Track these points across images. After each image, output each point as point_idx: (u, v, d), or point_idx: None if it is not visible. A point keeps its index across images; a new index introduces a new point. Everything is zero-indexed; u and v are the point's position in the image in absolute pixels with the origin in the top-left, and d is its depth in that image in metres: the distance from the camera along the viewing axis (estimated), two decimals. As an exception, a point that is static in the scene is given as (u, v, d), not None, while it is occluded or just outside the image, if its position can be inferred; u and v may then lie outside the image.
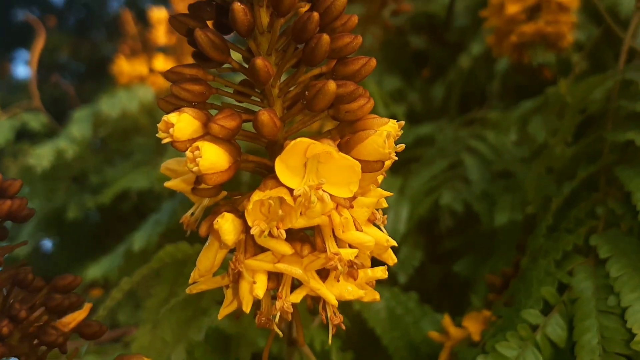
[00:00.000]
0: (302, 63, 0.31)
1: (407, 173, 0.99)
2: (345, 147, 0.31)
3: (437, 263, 0.87)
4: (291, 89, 0.32)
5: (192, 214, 0.36)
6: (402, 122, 0.33)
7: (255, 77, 0.29)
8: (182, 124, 0.29)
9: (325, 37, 0.29)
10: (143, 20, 1.40)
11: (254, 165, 0.33)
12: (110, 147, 1.27)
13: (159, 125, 0.30)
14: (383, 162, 0.31)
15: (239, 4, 0.29)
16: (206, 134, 0.30)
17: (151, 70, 1.27)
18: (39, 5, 5.48)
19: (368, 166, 0.31)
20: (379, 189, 0.33)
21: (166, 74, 0.32)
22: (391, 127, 0.32)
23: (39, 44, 1.39)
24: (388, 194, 0.33)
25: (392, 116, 1.12)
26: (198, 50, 0.31)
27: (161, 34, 1.27)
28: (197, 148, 0.29)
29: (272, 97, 0.31)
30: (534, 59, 0.95)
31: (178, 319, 0.53)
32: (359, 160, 0.30)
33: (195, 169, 0.29)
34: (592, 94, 0.65)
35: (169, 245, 0.57)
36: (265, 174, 0.32)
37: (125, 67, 1.27)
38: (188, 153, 0.29)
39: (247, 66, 0.30)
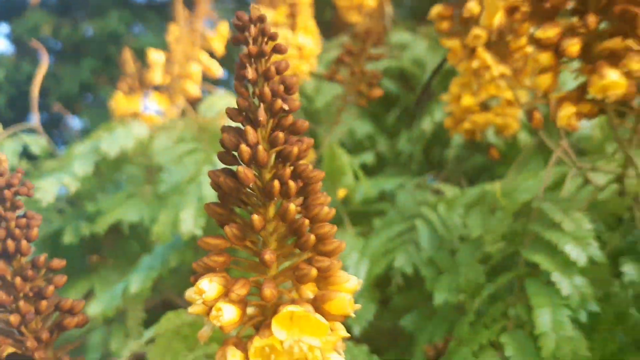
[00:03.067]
0: (296, 248, 0.45)
1: (370, 229, 1.15)
2: (319, 301, 0.45)
3: (387, 317, 1.02)
4: (286, 264, 0.46)
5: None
6: (360, 282, 0.48)
7: (263, 263, 0.43)
8: (211, 291, 0.43)
9: (312, 238, 0.43)
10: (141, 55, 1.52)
11: (257, 308, 0.47)
12: (103, 174, 1.38)
13: (194, 289, 0.44)
14: (345, 315, 0.45)
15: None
16: (226, 296, 0.44)
17: (145, 108, 1.40)
18: (23, -17, 5.48)
19: (334, 318, 0.45)
20: (340, 331, 0.47)
21: (200, 243, 0.46)
22: (354, 287, 0.47)
23: (42, 71, 1.49)
24: (347, 335, 0.47)
25: (362, 166, 1.27)
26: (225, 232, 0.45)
27: (157, 74, 1.39)
28: (220, 309, 0.43)
29: (274, 271, 0.45)
30: (484, 140, 1.11)
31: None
32: (327, 313, 0.45)
33: (218, 324, 0.42)
34: (518, 201, 0.81)
35: (170, 312, 0.70)
36: (263, 316, 0.46)
37: (122, 102, 1.39)
38: (213, 312, 0.43)
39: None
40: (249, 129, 0.43)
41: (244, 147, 0.43)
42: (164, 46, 1.46)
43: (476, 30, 0.77)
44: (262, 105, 0.43)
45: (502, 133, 1.08)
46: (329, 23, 2.15)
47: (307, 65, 1.07)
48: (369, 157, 1.42)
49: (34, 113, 1.49)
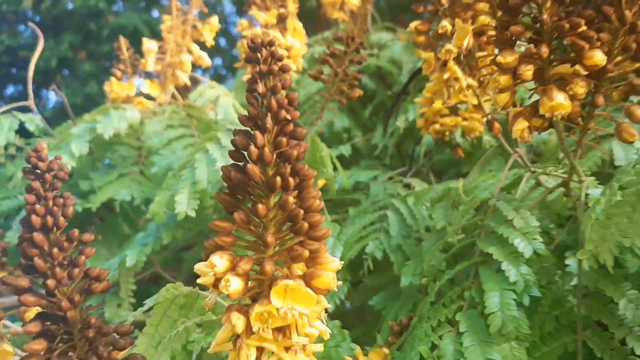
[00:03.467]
0: (291, 233, 0.55)
1: (345, 216, 1.25)
2: (309, 277, 0.55)
3: (357, 297, 1.13)
4: (283, 246, 0.55)
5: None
6: (341, 264, 0.58)
7: (264, 244, 0.53)
8: (221, 265, 0.52)
9: (305, 225, 0.53)
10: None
11: (255, 281, 0.56)
12: (94, 153, 1.45)
13: (207, 263, 0.53)
14: (329, 290, 0.55)
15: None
16: (233, 270, 0.53)
17: (138, 93, 1.47)
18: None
19: (320, 292, 0.55)
20: (324, 303, 0.57)
21: (212, 226, 0.55)
22: (337, 267, 0.57)
23: (37, 52, 1.55)
24: (328, 305, 0.57)
25: (339, 157, 1.37)
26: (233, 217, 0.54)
27: (150, 62, 1.46)
28: (228, 280, 0.52)
29: (271, 251, 0.55)
30: (451, 140, 1.21)
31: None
32: (315, 288, 0.54)
33: (226, 292, 0.52)
34: (478, 197, 0.92)
35: (169, 284, 0.79)
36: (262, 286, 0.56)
37: (116, 87, 1.46)
38: (222, 283, 0.52)
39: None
40: (258, 134, 0.52)
41: (253, 148, 0.52)
42: (144, 25, 1.52)
43: (448, 46, 0.87)
44: (269, 114, 0.53)
45: (468, 135, 1.19)
46: (313, 11, 2.22)
47: (294, 64, 1.16)
48: (346, 150, 1.52)
49: (29, 92, 1.55)
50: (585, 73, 0.67)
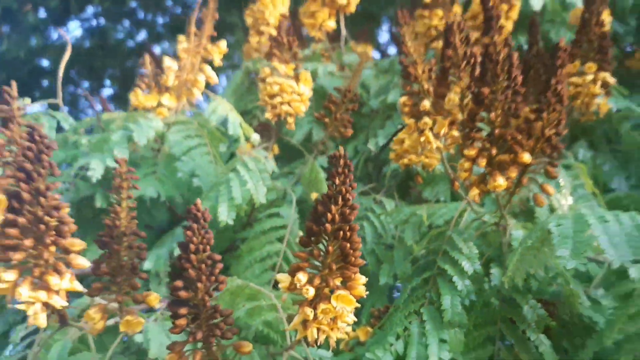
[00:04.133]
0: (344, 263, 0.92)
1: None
2: (350, 288, 0.93)
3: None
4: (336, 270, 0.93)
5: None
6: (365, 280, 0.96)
7: (329, 268, 0.90)
8: (303, 280, 0.89)
9: (353, 259, 0.91)
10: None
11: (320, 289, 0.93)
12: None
13: (288, 276, 0.90)
14: (362, 296, 0.93)
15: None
16: (310, 283, 0.90)
17: (159, 104, 1.78)
18: None
19: (356, 297, 0.93)
20: (356, 304, 0.95)
21: (295, 255, 0.91)
22: (364, 282, 0.95)
23: (66, 56, 1.83)
24: (358, 305, 0.95)
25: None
26: (307, 247, 0.91)
27: (170, 78, 1.77)
28: (308, 289, 0.89)
29: (332, 272, 0.92)
30: (413, 169, 1.60)
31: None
32: (354, 295, 0.92)
33: (306, 296, 0.89)
34: (437, 221, 1.32)
35: (228, 278, 1.14)
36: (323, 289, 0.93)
37: (140, 98, 1.77)
38: (304, 290, 0.89)
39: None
40: (333, 207, 0.89)
41: (329, 215, 0.89)
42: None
43: (425, 119, 1.25)
44: (340, 196, 0.89)
45: (426, 167, 1.58)
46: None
47: (304, 107, 1.51)
48: (323, 162, 1.89)
49: (58, 90, 1.83)
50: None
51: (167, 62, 1.79)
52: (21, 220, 0.83)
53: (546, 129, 1.05)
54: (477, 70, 1.04)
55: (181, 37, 1.84)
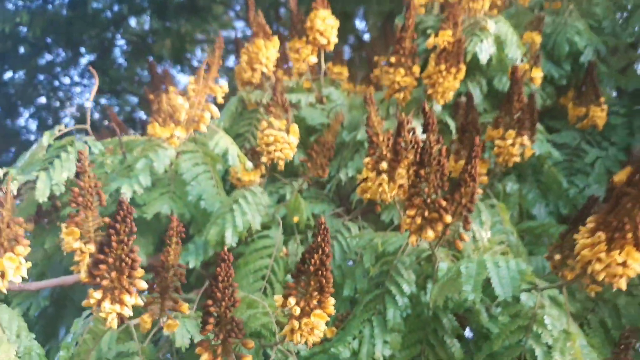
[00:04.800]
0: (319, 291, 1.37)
1: (306, 237, 2.08)
2: (323, 308, 1.38)
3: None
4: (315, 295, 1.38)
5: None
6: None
7: (310, 295, 1.36)
8: (292, 302, 1.34)
9: (328, 290, 1.36)
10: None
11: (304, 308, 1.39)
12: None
13: (285, 300, 1.35)
14: (331, 314, 1.39)
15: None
16: (297, 304, 1.35)
17: (172, 135, 2.19)
18: None
19: (328, 314, 1.39)
20: (327, 318, 1.40)
21: (288, 284, 1.36)
22: (333, 303, 1.40)
23: (94, 91, 2.22)
24: (328, 319, 1.40)
25: (299, 191, 2.19)
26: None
27: (182, 114, 2.19)
28: (296, 308, 1.34)
29: (313, 298, 1.37)
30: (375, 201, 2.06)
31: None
32: (326, 313, 1.38)
33: (294, 313, 1.34)
34: (389, 248, 1.78)
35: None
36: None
37: (157, 129, 2.18)
38: (292, 310, 1.34)
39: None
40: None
41: (312, 261, 1.34)
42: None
43: (383, 176, 1.70)
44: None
45: (383, 200, 2.04)
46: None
47: (292, 152, 1.95)
48: (304, 184, 2.33)
49: (87, 119, 2.23)
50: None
51: (179, 100, 2.20)
52: (110, 260, 1.26)
53: (463, 198, 1.51)
54: (418, 156, 1.49)
55: (191, 79, 2.25)
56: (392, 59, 2.23)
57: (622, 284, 1.31)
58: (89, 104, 2.19)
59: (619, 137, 2.60)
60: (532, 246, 2.24)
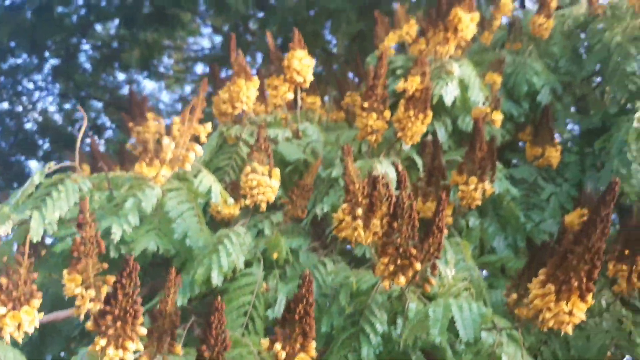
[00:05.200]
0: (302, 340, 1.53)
1: (285, 272, 2.23)
2: (306, 351, 1.54)
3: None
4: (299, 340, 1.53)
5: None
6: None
7: (294, 341, 1.51)
8: (278, 347, 1.50)
9: (311, 340, 1.52)
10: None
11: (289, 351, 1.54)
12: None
13: (273, 345, 1.50)
14: (313, 357, 1.55)
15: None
16: (284, 349, 1.50)
17: (157, 174, 2.32)
18: None
19: (311, 355, 1.55)
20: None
21: (276, 330, 1.51)
22: (314, 345, 1.56)
23: (82, 130, 2.34)
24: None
25: (277, 224, 2.35)
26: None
27: (168, 154, 2.32)
28: (281, 352, 1.50)
29: (297, 343, 1.53)
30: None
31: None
32: (309, 355, 1.54)
33: (280, 356, 1.50)
34: (363, 286, 1.94)
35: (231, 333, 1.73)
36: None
37: (144, 169, 2.30)
38: (279, 354, 1.49)
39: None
40: (298, 305, 1.49)
41: (297, 310, 1.49)
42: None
43: (358, 221, 1.86)
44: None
45: (356, 239, 2.20)
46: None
47: (273, 195, 2.10)
48: (280, 217, 2.48)
49: (76, 155, 2.34)
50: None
51: (166, 141, 2.33)
52: (116, 311, 1.40)
53: (431, 247, 1.68)
54: (392, 209, 1.66)
55: (176, 119, 2.38)
56: (365, 104, 2.40)
57: (569, 330, 1.50)
58: (77, 142, 2.25)
59: (572, 174, 2.82)
60: (492, 278, 2.44)
